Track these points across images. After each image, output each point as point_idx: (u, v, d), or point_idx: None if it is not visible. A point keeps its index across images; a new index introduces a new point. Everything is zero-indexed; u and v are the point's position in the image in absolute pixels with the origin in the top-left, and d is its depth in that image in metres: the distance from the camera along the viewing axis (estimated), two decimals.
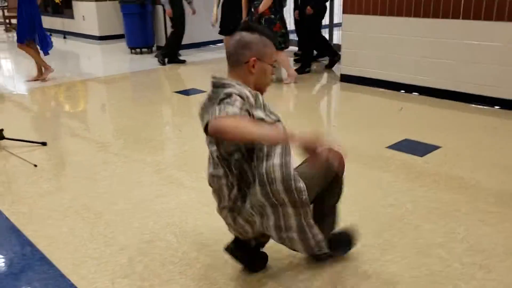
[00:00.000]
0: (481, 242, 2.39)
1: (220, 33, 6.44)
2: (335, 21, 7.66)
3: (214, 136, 1.71)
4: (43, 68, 6.31)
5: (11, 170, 3.44)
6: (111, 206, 2.85)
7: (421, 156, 3.48)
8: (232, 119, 1.59)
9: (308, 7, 6.04)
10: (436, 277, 2.12)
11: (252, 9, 5.47)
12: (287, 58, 5.88)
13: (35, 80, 6.29)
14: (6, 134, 3.85)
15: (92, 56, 8.76)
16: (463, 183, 3.04)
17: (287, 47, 5.76)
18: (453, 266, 2.20)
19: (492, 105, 4.61)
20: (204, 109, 1.84)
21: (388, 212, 2.71)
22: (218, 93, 1.74)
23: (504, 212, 2.67)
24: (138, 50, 8.35)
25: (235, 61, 1.88)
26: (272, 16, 5.44)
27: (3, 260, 2.37)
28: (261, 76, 1.90)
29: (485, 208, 2.73)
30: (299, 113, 4.98)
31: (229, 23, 6.06)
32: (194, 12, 7.37)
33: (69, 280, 2.16)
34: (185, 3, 7.14)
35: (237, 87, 1.78)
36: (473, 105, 4.70)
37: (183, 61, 7.41)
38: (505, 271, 2.16)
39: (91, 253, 2.37)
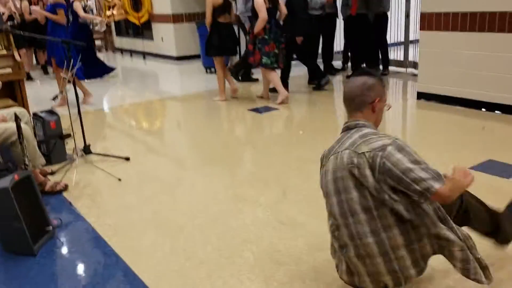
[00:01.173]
0: None
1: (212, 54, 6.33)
2: (411, 38, 7.50)
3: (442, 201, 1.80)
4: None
5: (97, 183, 3.66)
6: (190, 221, 2.95)
7: (508, 178, 3.28)
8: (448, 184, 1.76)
9: (298, 38, 6.20)
10: None
11: (247, 30, 5.74)
12: (278, 78, 6.05)
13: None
14: (92, 148, 4.12)
15: (169, 76, 9.16)
16: None
17: (280, 67, 5.98)
18: None
19: None
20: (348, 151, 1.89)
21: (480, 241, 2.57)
22: (355, 136, 1.89)
23: None
24: (213, 69, 8.62)
25: (360, 102, 1.96)
26: (266, 36, 5.70)
27: (90, 269, 2.51)
28: (379, 114, 2.01)
29: None
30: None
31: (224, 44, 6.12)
32: None
33: None
34: None
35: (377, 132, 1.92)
36: None
37: (256, 80, 7.55)
38: None
39: (172, 266, 2.46)
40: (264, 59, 5.82)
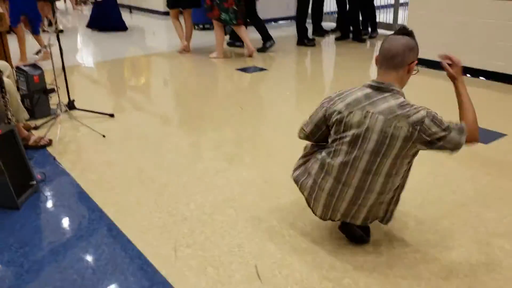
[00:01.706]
0: None
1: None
2: (401, 0, 7.43)
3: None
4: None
5: (81, 139, 3.66)
6: (175, 178, 2.98)
7: (486, 144, 3.36)
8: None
9: None
10: (495, 267, 2.09)
11: None
12: (246, 33, 6.19)
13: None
14: (76, 104, 4.09)
15: (156, 31, 8.99)
16: None
17: (240, 24, 6.00)
18: (507, 260, 2.15)
19: None
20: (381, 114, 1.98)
21: (450, 199, 2.66)
22: (394, 101, 1.98)
23: None
24: (201, 26, 8.48)
25: (400, 62, 2.01)
26: None
27: (74, 223, 2.55)
28: (409, 76, 2.10)
29: None
30: None
31: None
32: None
33: (135, 247, 2.30)
34: None
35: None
36: None
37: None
38: None
39: (156, 222, 2.51)
40: (223, 15, 5.84)
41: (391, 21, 7.65)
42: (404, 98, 2.03)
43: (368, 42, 7.15)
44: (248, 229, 2.41)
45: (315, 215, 2.24)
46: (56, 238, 2.40)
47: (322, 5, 7.65)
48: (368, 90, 2.05)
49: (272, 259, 2.17)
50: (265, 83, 5.25)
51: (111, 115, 4.10)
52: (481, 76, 4.98)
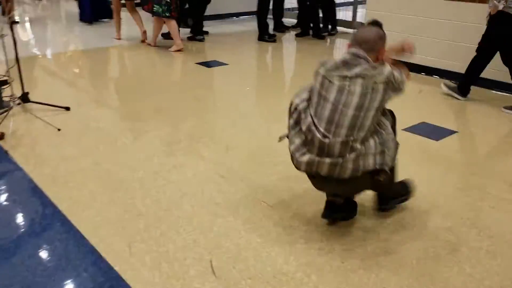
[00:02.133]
0: (490, 228, 2.43)
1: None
2: None
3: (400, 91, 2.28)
4: None
5: (35, 133, 3.56)
6: (131, 173, 2.95)
7: (437, 140, 3.49)
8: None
9: None
10: (442, 259, 2.18)
11: None
12: (176, 28, 6.26)
13: None
14: (31, 97, 3.97)
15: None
16: (476, 169, 3.07)
17: (174, 16, 6.13)
18: (460, 250, 2.25)
19: (511, 92, 4.58)
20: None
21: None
22: (366, 64, 2.17)
23: None
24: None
25: (371, 47, 2.22)
26: None
27: (25, 219, 2.49)
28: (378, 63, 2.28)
29: (497, 194, 2.75)
30: None
31: None
32: None
33: (88, 242, 2.28)
34: None
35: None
36: (494, 91, 4.66)
37: (206, 32, 7.42)
38: (511, 257, 2.20)
39: (110, 217, 2.48)
40: (156, 8, 6.01)
41: (350, 19, 7.78)
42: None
43: (328, 39, 7.26)
44: (204, 225, 2.42)
45: (299, 170, 2.29)
46: (7, 235, 2.33)
47: (283, 1, 7.70)
48: (345, 57, 2.21)
49: (228, 254, 2.19)
50: (225, 78, 5.24)
51: (67, 108, 4.00)
52: (434, 75, 5.15)
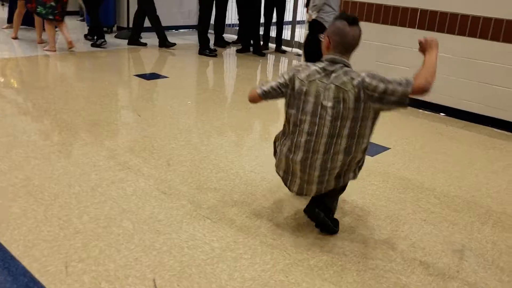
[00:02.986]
0: (422, 240, 2.56)
1: None
2: (298, 18, 7.81)
3: (419, 93, 2.21)
4: None
5: None
6: (67, 189, 2.82)
7: (372, 156, 3.65)
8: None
9: None
10: (380, 271, 2.27)
11: None
12: (54, 32, 6.46)
13: None
14: None
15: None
16: (409, 184, 3.23)
17: (56, 20, 6.34)
18: (395, 261, 2.35)
19: (438, 112, 4.88)
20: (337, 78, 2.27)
21: (339, 207, 2.83)
22: (341, 70, 2.28)
23: (445, 212, 2.87)
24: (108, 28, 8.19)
25: (354, 49, 2.36)
26: None
27: None
28: None
29: (428, 208, 2.92)
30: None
31: None
32: None
33: (20, 263, 2.14)
34: None
35: None
36: (421, 111, 4.95)
37: (144, 44, 7.32)
38: (442, 267, 2.33)
39: (44, 235, 2.35)
40: (39, 9, 6.18)
41: (288, 38, 7.98)
42: (351, 68, 2.33)
43: (268, 56, 7.40)
44: (145, 242, 2.36)
45: (292, 191, 2.48)
46: None
47: (225, 16, 7.78)
48: (323, 64, 2.32)
49: (171, 272, 2.15)
50: (165, 91, 5.18)
51: None
52: None
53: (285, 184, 2.54)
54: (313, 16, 4.99)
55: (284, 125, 2.49)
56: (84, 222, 2.49)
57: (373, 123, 2.37)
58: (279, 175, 2.56)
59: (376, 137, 4.02)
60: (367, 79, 2.22)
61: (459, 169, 3.54)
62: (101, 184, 2.91)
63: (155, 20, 7.19)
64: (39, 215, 2.53)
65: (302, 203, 2.79)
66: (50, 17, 6.25)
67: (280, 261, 2.28)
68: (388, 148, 3.84)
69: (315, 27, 4.97)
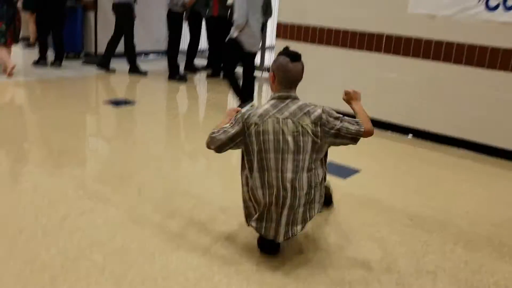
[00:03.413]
0: (397, 261, 2.57)
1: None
2: (267, 44, 7.93)
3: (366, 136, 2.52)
4: None
5: None
6: (33, 221, 2.71)
7: (344, 179, 3.67)
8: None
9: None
10: None
11: None
12: (7, 54, 6.38)
13: None
14: None
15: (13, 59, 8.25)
16: (382, 206, 3.26)
17: (9, 44, 6.37)
18: (372, 285, 2.34)
19: (406, 134, 4.99)
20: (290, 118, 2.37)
21: (315, 232, 2.83)
22: (294, 105, 2.40)
23: (418, 233, 2.90)
24: (73, 55, 8.09)
25: (298, 83, 2.49)
26: None
27: None
28: None
29: (401, 229, 2.94)
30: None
31: None
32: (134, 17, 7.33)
33: None
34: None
35: None
36: (390, 133, 5.05)
37: (114, 70, 7.27)
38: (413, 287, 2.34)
39: (9, 270, 2.24)
40: None
41: (258, 63, 8.06)
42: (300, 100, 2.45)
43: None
44: (116, 274, 2.28)
45: (270, 238, 2.43)
46: None
47: (199, 42, 7.82)
48: (273, 101, 2.41)
49: None
50: (135, 118, 5.12)
51: None
52: None
53: (260, 234, 2.48)
54: (234, 35, 5.16)
55: (246, 172, 2.45)
56: (52, 256, 2.39)
57: (326, 157, 2.57)
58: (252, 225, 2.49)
59: (347, 159, 4.09)
60: (324, 116, 2.38)
61: (430, 190, 3.60)
62: (70, 215, 2.82)
63: (132, 47, 7.17)
64: (3, 250, 2.42)
65: None
66: (1, 41, 6.16)
67: (253, 286, 2.25)
68: (359, 170, 3.88)
69: (232, 45, 5.22)
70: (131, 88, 6.53)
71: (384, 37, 4.97)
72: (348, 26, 5.20)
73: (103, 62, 7.23)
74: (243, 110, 2.45)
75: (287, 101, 2.40)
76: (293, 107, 2.37)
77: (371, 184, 3.63)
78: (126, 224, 2.76)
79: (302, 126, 2.33)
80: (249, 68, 5.58)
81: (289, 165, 2.31)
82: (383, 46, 5.00)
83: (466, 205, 3.37)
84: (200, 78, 7.57)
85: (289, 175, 2.31)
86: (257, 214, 2.41)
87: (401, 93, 4.97)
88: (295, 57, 2.44)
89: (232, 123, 2.42)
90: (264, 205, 2.37)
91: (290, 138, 2.32)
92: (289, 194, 2.32)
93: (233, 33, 5.15)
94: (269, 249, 2.51)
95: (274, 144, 2.32)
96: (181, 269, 2.35)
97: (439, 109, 4.77)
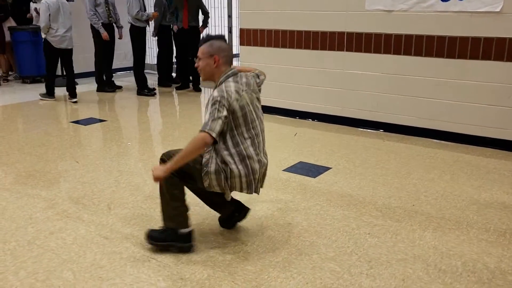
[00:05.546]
0: (367, 253, 2.61)
1: None
2: (234, 52, 7.96)
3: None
4: None
5: None
6: (1, 245, 2.67)
7: (315, 177, 3.72)
8: None
9: None
10: None
11: None
12: None
13: None
14: None
15: None
16: (352, 200, 3.31)
17: None
18: (343, 277, 2.38)
19: (376, 128, 5.07)
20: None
21: (286, 231, 2.86)
22: (245, 78, 2.61)
23: (387, 224, 2.95)
24: (31, 79, 7.98)
25: None
26: None
27: None
28: None
29: (371, 221, 2.99)
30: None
31: None
32: (121, 37, 7.30)
33: None
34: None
35: None
36: (360, 129, 5.13)
37: (120, 87, 7.33)
38: (388, 277, 2.38)
39: None
40: None
41: None
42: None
43: (207, 90, 7.45)
44: None
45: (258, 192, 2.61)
46: None
47: (171, 57, 7.80)
48: (232, 78, 2.53)
49: None
50: (104, 135, 5.09)
51: None
52: (309, 118, 5.53)
53: (252, 191, 2.59)
54: (43, 36, 6.21)
55: (225, 155, 2.48)
56: (21, 278, 2.36)
57: None
58: (237, 189, 2.56)
59: (318, 158, 4.14)
60: (258, 79, 2.75)
61: (398, 181, 3.67)
62: (39, 237, 2.78)
63: (101, 65, 7.16)
64: None
65: (248, 234, 2.80)
66: None
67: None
68: (330, 168, 3.93)
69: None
70: (99, 106, 6.49)
71: (345, 35, 5.07)
72: (310, 28, 5.28)
73: (103, 85, 7.26)
74: (220, 94, 2.42)
75: (238, 75, 2.56)
76: (244, 79, 2.58)
77: (341, 180, 3.68)
78: (96, 240, 2.75)
79: (258, 93, 2.66)
80: None
81: (262, 127, 2.66)
82: (345, 44, 5.09)
83: (434, 192, 3.45)
84: (170, 91, 7.56)
85: (263, 135, 2.68)
86: (248, 182, 2.53)
87: (366, 89, 5.06)
88: (224, 37, 2.64)
89: (217, 109, 2.39)
90: (258, 171, 2.57)
91: (258, 104, 2.63)
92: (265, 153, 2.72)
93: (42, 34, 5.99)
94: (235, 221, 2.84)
95: (255, 112, 2.56)
96: (152, 280, 2.35)
97: (404, 102, 4.87)
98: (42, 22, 6.24)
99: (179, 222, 2.57)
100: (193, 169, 2.50)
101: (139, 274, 2.40)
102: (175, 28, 7.18)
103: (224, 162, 2.46)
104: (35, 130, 5.23)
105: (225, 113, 2.40)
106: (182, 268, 2.45)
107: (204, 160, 2.48)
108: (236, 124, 2.46)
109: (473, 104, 4.51)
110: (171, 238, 2.56)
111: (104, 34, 6.89)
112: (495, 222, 2.99)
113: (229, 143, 2.47)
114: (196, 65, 2.61)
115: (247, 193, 2.57)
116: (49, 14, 6.22)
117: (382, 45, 4.86)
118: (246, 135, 2.51)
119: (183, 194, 2.58)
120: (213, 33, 2.70)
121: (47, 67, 6.60)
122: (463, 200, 3.32)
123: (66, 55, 6.56)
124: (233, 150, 2.47)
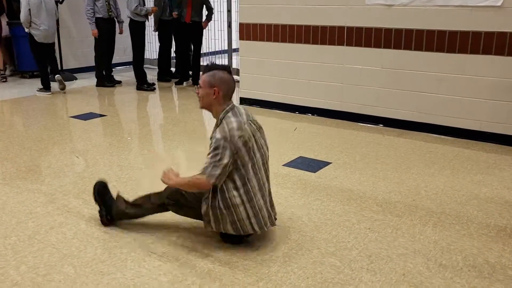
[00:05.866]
0: (368, 248, 2.62)
1: None
2: (234, 46, 7.94)
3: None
4: None
5: None
6: (2, 240, 2.68)
7: (314, 172, 3.72)
8: None
9: None
10: (329, 284, 2.29)
11: None
12: None
13: None
14: None
15: None
16: (352, 195, 3.31)
17: None
18: (344, 272, 2.38)
19: (376, 123, 5.07)
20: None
21: (286, 226, 2.86)
22: (240, 109, 2.59)
23: (387, 219, 2.96)
24: (30, 73, 7.95)
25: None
26: None
27: None
28: None
29: (371, 216, 2.99)
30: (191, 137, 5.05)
31: None
32: (121, 32, 7.27)
33: None
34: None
35: None
36: (360, 123, 5.12)
37: (119, 82, 7.33)
38: (389, 272, 2.39)
39: None
40: None
41: None
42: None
43: None
44: (89, 285, 2.26)
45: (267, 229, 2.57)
46: None
47: (170, 51, 7.76)
48: (231, 112, 2.49)
49: None
50: (104, 129, 5.08)
51: None
52: (308, 113, 5.52)
53: (263, 228, 2.56)
54: (26, 31, 6.35)
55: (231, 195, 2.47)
56: (22, 273, 2.37)
57: None
58: (250, 231, 2.54)
59: (318, 153, 4.13)
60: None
61: (398, 176, 3.67)
62: (39, 231, 2.79)
63: (107, 59, 7.15)
64: None
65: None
66: None
67: (230, 287, 2.26)
68: (330, 163, 3.93)
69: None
70: (99, 101, 6.48)
71: (345, 30, 5.05)
72: (310, 22, 5.26)
73: (102, 80, 7.25)
74: (223, 136, 2.39)
75: (235, 108, 2.52)
76: (242, 110, 2.56)
77: (341, 175, 3.68)
78: (97, 234, 2.75)
79: (257, 122, 2.61)
80: None
81: (266, 159, 2.63)
82: (345, 38, 5.08)
83: (434, 187, 3.45)
84: (169, 85, 7.55)
85: (266, 167, 2.63)
86: (253, 214, 2.50)
87: (366, 83, 5.05)
88: (228, 69, 2.57)
89: (217, 154, 2.37)
90: (262, 206, 2.52)
91: (263, 142, 2.60)
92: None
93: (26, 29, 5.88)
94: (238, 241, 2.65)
95: (257, 145, 2.53)
96: (153, 274, 2.35)
97: (404, 97, 4.86)
98: (22, 17, 6.37)
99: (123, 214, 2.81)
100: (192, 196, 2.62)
101: (140, 269, 2.40)
102: (174, 14, 7.10)
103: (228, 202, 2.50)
104: (35, 125, 5.23)
105: (225, 160, 2.36)
106: (183, 262, 2.46)
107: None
108: (242, 163, 2.43)
109: (473, 99, 4.50)
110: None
111: (94, 31, 6.91)
112: (495, 217, 3.00)
113: (238, 181, 2.46)
114: (196, 91, 2.58)
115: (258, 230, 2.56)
116: (29, 9, 6.29)
117: (382, 40, 4.85)
118: (251, 172, 2.47)
119: (150, 213, 2.78)
120: (216, 62, 2.63)
121: (36, 61, 6.75)
122: (464, 195, 3.33)
123: (49, 48, 6.71)
124: (237, 192, 2.46)
